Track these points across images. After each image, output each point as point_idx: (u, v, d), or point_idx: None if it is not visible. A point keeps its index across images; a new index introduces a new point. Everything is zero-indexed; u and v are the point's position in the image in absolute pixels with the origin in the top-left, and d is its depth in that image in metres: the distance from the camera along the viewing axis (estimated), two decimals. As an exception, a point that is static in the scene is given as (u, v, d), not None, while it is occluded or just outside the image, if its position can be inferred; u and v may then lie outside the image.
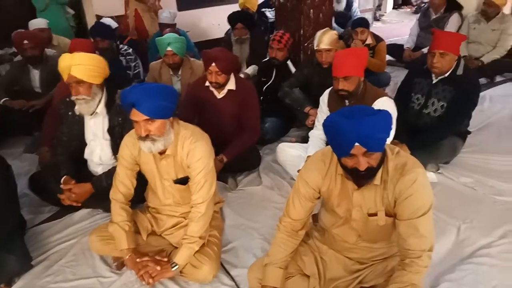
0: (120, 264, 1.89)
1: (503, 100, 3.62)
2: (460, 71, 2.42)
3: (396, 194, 1.38)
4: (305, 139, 2.80)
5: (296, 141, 3.00)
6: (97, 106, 2.15)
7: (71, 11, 4.90)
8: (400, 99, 2.63)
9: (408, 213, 1.34)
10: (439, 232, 1.93)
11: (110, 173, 2.14)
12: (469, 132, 2.68)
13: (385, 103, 2.17)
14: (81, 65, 1.98)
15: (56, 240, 2.13)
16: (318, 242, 1.68)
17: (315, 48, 2.86)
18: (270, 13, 5.91)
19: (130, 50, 3.85)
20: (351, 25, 3.93)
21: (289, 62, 3.20)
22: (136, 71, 3.76)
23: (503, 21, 3.96)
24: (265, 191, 2.46)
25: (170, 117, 1.69)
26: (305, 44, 3.34)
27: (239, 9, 5.17)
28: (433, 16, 4.42)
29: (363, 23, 3.75)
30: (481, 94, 2.97)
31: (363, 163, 1.28)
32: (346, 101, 2.30)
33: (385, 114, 1.30)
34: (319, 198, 1.58)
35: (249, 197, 2.41)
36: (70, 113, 2.25)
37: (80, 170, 2.30)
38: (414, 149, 2.34)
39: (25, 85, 3.38)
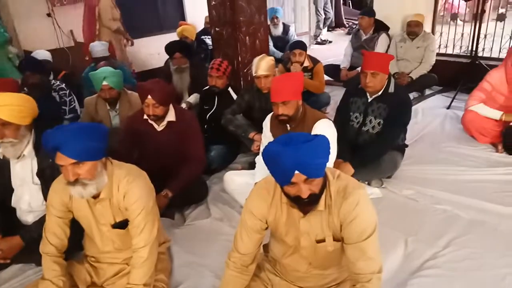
0: (55, 326, 1.69)
1: (433, 112, 3.87)
2: (391, 89, 2.54)
3: (341, 218, 1.37)
4: (252, 165, 2.77)
5: (243, 168, 2.97)
6: (25, 148, 1.98)
7: (14, 50, 4.49)
8: (340, 119, 2.70)
9: (355, 237, 1.34)
10: (388, 247, 1.96)
11: (40, 222, 1.95)
12: (407, 145, 2.80)
13: (325, 125, 2.21)
14: (6, 106, 1.82)
15: (-19, 304, 1.88)
16: (270, 274, 1.63)
17: (253, 74, 2.88)
18: (209, 40, 5.95)
19: (63, 85, 3.67)
20: (289, 48, 4.03)
21: (230, 89, 3.19)
22: (71, 106, 3.57)
23: (425, 39, 4.29)
24: (214, 223, 2.37)
25: (101, 158, 1.58)
26: (244, 71, 3.37)
27: (177, 38, 5.18)
28: (364, 37, 4.69)
29: (300, 45, 3.85)
30: (414, 107, 3.15)
31: (305, 191, 1.26)
32: (288, 125, 2.31)
33: (323, 139, 1.29)
34: (266, 228, 1.53)
35: (198, 232, 2.30)
36: (-7, 157, 2.04)
37: (5, 220, 2.09)
38: (357, 167, 2.39)
39: None
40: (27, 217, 2.15)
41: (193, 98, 3.65)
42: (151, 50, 5.93)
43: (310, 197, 1.28)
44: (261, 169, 2.42)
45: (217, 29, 3.34)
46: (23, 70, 3.46)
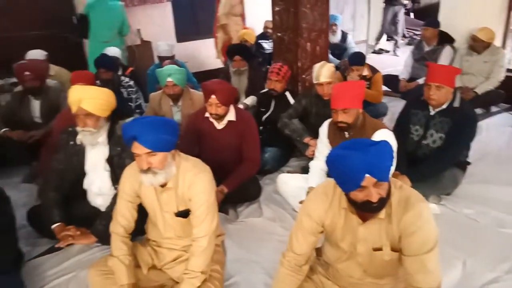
0: (118, 301, 1.83)
1: (499, 130, 3.67)
2: (456, 103, 2.46)
3: (401, 229, 1.37)
4: (305, 170, 2.80)
5: (295, 172, 3.00)
6: (100, 137, 2.17)
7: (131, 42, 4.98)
8: (399, 130, 2.65)
9: (414, 249, 1.33)
10: (445, 266, 1.90)
11: (103, 215, 2.14)
12: (469, 163, 2.70)
13: (385, 135, 2.19)
14: (92, 99, 2.01)
15: (53, 274, 2.07)
16: (323, 277, 1.65)
17: (314, 81, 2.92)
18: (267, 45, 6.06)
19: (132, 82, 3.90)
20: (348, 60, 3.94)
21: (287, 93, 3.25)
22: (137, 103, 3.79)
23: (494, 53, 4.08)
24: (266, 222, 2.43)
25: (171, 150, 1.69)
26: (303, 76, 3.41)
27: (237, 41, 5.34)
28: (426, 49, 4.55)
29: (360, 60, 3.73)
30: (478, 124, 3.02)
31: (375, 194, 1.27)
32: (346, 132, 2.32)
33: (386, 143, 1.31)
34: (322, 232, 1.56)
35: (250, 229, 2.38)
36: (71, 142, 2.26)
37: (71, 206, 2.29)
38: (415, 180, 2.34)
39: (24, 116, 3.38)
40: (97, 200, 2.34)
41: (250, 100, 3.75)
42: (210, 52, 6.14)
43: (379, 201, 1.29)
44: (315, 174, 2.45)
45: (278, 34, 3.42)
46: (97, 66, 3.72)
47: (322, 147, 2.48)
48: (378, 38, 7.64)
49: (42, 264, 2.16)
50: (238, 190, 2.48)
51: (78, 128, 2.12)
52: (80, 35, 5.00)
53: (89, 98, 2.05)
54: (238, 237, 2.28)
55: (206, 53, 6.14)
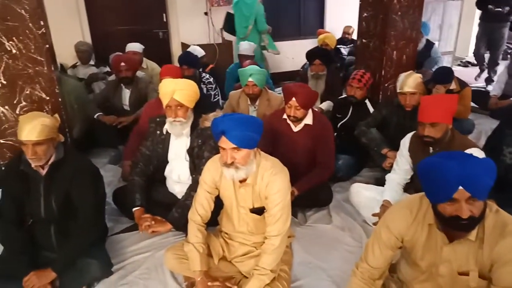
0: (190, 284, 1.93)
1: None
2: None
3: (494, 256, 1.27)
4: (379, 181, 2.72)
5: (368, 183, 2.92)
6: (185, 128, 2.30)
7: (266, 40, 5.23)
8: (490, 151, 2.45)
9: (509, 281, 1.23)
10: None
11: (180, 204, 2.25)
12: None
13: (475, 155, 2.04)
14: (183, 90, 2.14)
15: (132, 251, 2.24)
16: (396, 295, 1.59)
17: (398, 90, 2.81)
18: (344, 50, 5.97)
19: (211, 79, 4.07)
20: (434, 76, 3.63)
21: (367, 101, 3.16)
22: (215, 100, 3.95)
23: None
24: (335, 230, 2.39)
25: (254, 148, 1.74)
26: (385, 85, 3.30)
27: (316, 44, 5.31)
28: (526, 65, 4.14)
29: (448, 78, 3.38)
30: None
31: (465, 210, 1.19)
32: (431, 148, 2.20)
33: (489, 160, 1.22)
34: (401, 247, 1.51)
35: (318, 235, 2.36)
36: (158, 131, 2.42)
37: (151, 190, 2.45)
38: (506, 206, 2.15)
39: (116, 103, 3.70)
40: (175, 187, 2.48)
41: (326, 105, 3.72)
42: (288, 54, 6.19)
43: (469, 219, 1.20)
44: (391, 188, 2.36)
45: (364, 40, 3.34)
46: (181, 63, 3.92)
47: (401, 160, 2.38)
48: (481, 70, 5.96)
49: (122, 241, 2.34)
50: (309, 194, 2.47)
51: (169, 119, 2.26)
52: (227, 31, 5.36)
53: (180, 90, 2.19)
54: (306, 241, 2.28)
55: (283, 54, 6.19)
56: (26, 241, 1.92)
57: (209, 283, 1.75)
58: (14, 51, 2.05)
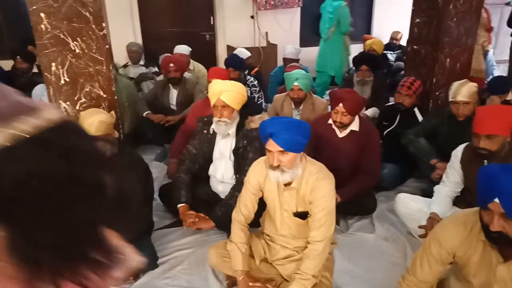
0: (231, 283, 1.96)
1: None
2: None
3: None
4: (425, 193, 2.63)
5: (413, 193, 2.83)
6: (231, 128, 2.34)
7: (348, 42, 5.34)
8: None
9: None
10: None
11: (223, 203, 2.29)
12: None
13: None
14: (230, 92, 2.19)
15: (175, 246, 2.31)
16: (444, 311, 1.53)
17: (450, 99, 2.70)
18: (391, 56, 5.81)
19: (256, 82, 4.11)
20: (488, 85, 3.45)
21: (416, 110, 3.07)
22: (259, 102, 3.98)
23: None
24: (378, 240, 2.35)
25: (301, 152, 1.74)
26: (436, 93, 3.18)
27: (362, 50, 5.23)
28: None
29: (504, 88, 3.16)
30: None
31: (496, 224, 1.16)
32: (485, 161, 2.10)
33: None
34: (451, 263, 1.45)
35: (360, 244, 2.32)
36: (205, 131, 2.49)
37: (195, 187, 2.50)
38: None
39: (164, 102, 3.83)
40: (218, 186, 2.54)
41: (371, 111, 3.65)
42: (332, 58, 6.12)
43: (499, 234, 1.17)
44: (440, 200, 2.27)
45: (415, 47, 3.25)
46: (227, 66, 4.00)
47: (452, 172, 2.28)
48: None
49: (166, 236, 2.43)
50: (353, 201, 2.43)
51: (215, 119, 2.33)
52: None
53: (227, 91, 2.24)
54: (347, 249, 2.25)
55: (327, 59, 6.14)
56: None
57: (251, 283, 1.77)
58: (77, 50, 2.19)
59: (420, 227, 2.17)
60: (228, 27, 5.71)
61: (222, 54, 5.76)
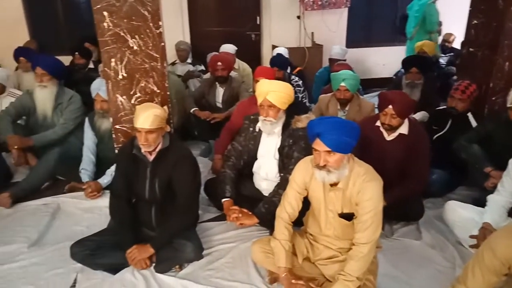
0: (273, 279, 1.99)
1: None
2: None
3: None
4: (476, 202, 2.51)
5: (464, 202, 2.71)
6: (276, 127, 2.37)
7: (435, 39, 5.22)
8: None
9: None
10: None
11: (267, 200, 2.32)
12: None
13: None
14: (277, 92, 2.23)
15: (219, 240, 2.37)
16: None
17: (508, 105, 2.56)
18: (443, 59, 5.59)
19: (300, 82, 4.11)
20: None
21: (469, 115, 2.94)
22: (303, 101, 3.98)
23: None
24: (424, 248, 2.28)
25: (348, 153, 1.74)
26: (492, 98, 3.03)
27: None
28: None
29: None
30: None
31: None
32: (546, 170, 1.98)
33: None
34: (507, 274, 1.39)
35: (405, 249, 2.26)
36: (251, 128, 2.53)
37: (240, 185, 2.56)
38: None
39: (210, 100, 3.93)
40: (261, 183, 2.57)
41: (420, 115, 3.53)
42: (378, 60, 6.00)
43: None
44: (494, 210, 2.17)
45: (470, 49, 3.11)
46: (272, 65, 4.01)
47: (508, 181, 2.17)
48: None
49: (210, 229, 2.49)
50: (399, 206, 2.37)
51: (261, 117, 2.37)
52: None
53: (274, 91, 2.28)
54: (391, 254, 2.20)
55: (374, 60, 6.03)
56: (133, 217, 2.15)
57: (293, 281, 1.79)
58: (135, 47, 2.31)
59: (471, 237, 2.09)
60: (274, 27, 5.74)
61: (267, 54, 5.81)
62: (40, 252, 2.25)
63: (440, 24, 5.13)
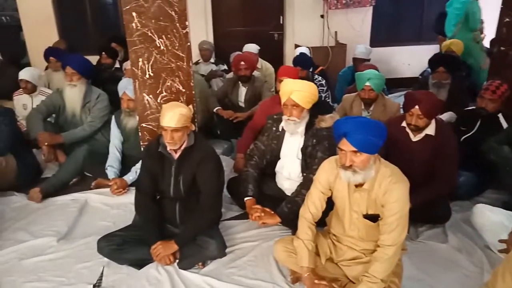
0: (295, 279, 1.99)
1: None
2: None
3: None
4: (506, 205, 2.46)
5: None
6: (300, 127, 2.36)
7: (479, 37, 5.00)
8: None
9: None
10: None
11: (289, 199, 2.32)
12: None
13: None
14: (301, 91, 2.22)
15: (241, 238, 2.39)
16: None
17: (542, 105, 2.48)
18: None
19: (323, 81, 4.08)
20: None
21: (500, 116, 2.85)
22: (327, 102, 3.95)
23: None
24: (451, 251, 2.22)
25: (375, 153, 1.71)
26: (525, 99, 2.92)
27: (437, 51, 4.95)
28: None
29: None
30: None
31: None
32: None
33: None
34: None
35: (430, 252, 2.22)
36: (274, 128, 2.54)
37: (262, 184, 2.57)
38: None
39: (233, 99, 3.96)
40: (284, 183, 2.57)
41: (447, 116, 3.44)
42: (403, 59, 5.89)
43: None
44: (526, 215, 2.10)
45: (502, 48, 3.02)
46: (296, 65, 3.97)
47: (541, 185, 2.10)
48: None
49: (233, 227, 2.51)
50: (425, 209, 2.32)
51: (284, 117, 2.37)
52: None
53: (298, 91, 2.27)
54: (417, 257, 2.16)
55: (399, 60, 5.91)
56: (158, 213, 2.19)
57: (316, 281, 1.78)
58: (162, 47, 2.35)
59: (500, 241, 2.02)
60: (297, 27, 5.72)
61: (289, 53, 5.79)
62: (69, 245, 2.32)
63: (482, 22, 4.93)
